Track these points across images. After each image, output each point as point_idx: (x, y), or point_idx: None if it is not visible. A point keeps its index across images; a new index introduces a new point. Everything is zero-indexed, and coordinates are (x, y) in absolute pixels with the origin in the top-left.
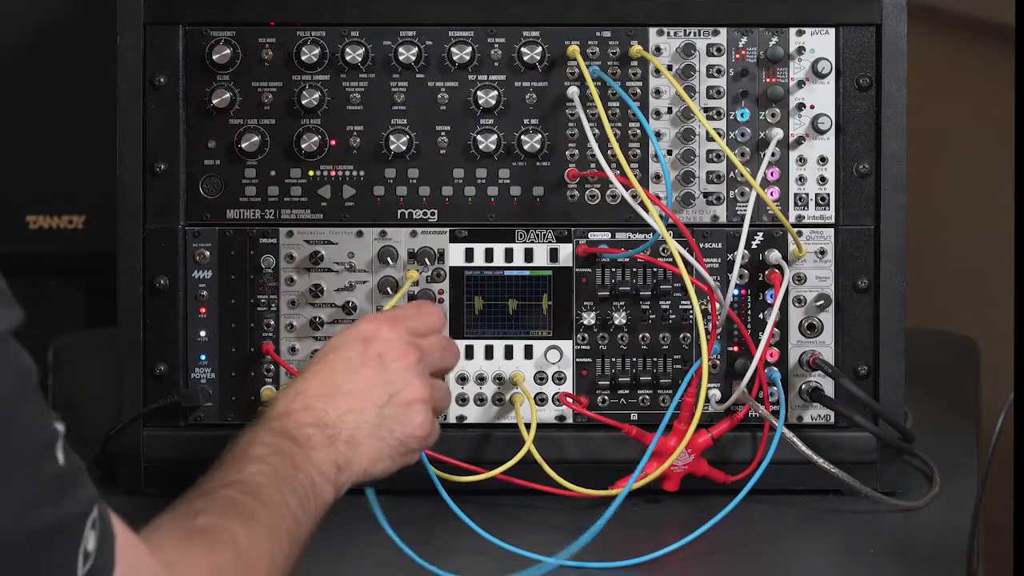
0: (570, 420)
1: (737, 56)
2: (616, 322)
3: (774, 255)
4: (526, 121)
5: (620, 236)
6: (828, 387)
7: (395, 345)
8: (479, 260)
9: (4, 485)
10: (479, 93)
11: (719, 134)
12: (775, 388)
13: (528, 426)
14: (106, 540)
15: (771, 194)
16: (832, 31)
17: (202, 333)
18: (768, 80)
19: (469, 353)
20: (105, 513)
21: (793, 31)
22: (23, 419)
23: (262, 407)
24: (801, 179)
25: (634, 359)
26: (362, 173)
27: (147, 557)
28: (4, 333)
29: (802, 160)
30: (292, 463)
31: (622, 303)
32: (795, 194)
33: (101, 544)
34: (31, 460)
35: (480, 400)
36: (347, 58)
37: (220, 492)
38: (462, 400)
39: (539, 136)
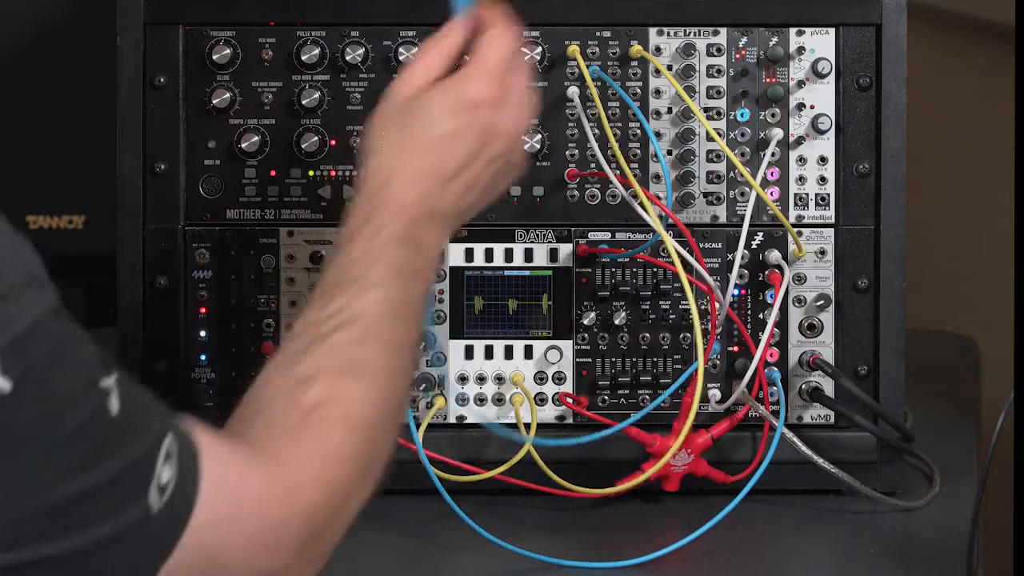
0: (570, 420)
1: (737, 56)
2: (616, 322)
3: (774, 255)
4: None
5: (620, 236)
6: (828, 387)
7: (496, 118)
8: (479, 260)
9: (54, 457)
10: None
11: (719, 134)
12: (775, 388)
13: (528, 426)
14: (186, 468)
15: (771, 194)
16: (832, 31)
17: (202, 333)
18: (768, 80)
19: (469, 353)
20: (183, 438)
21: (793, 31)
22: (61, 392)
23: None
24: (801, 179)
25: (634, 359)
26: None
27: (242, 469)
28: (43, 313)
29: (802, 160)
30: (412, 274)
31: (622, 303)
32: (795, 194)
33: (181, 472)
34: (78, 426)
35: (480, 400)
36: (347, 58)
37: (332, 339)
38: (462, 400)
39: (539, 136)
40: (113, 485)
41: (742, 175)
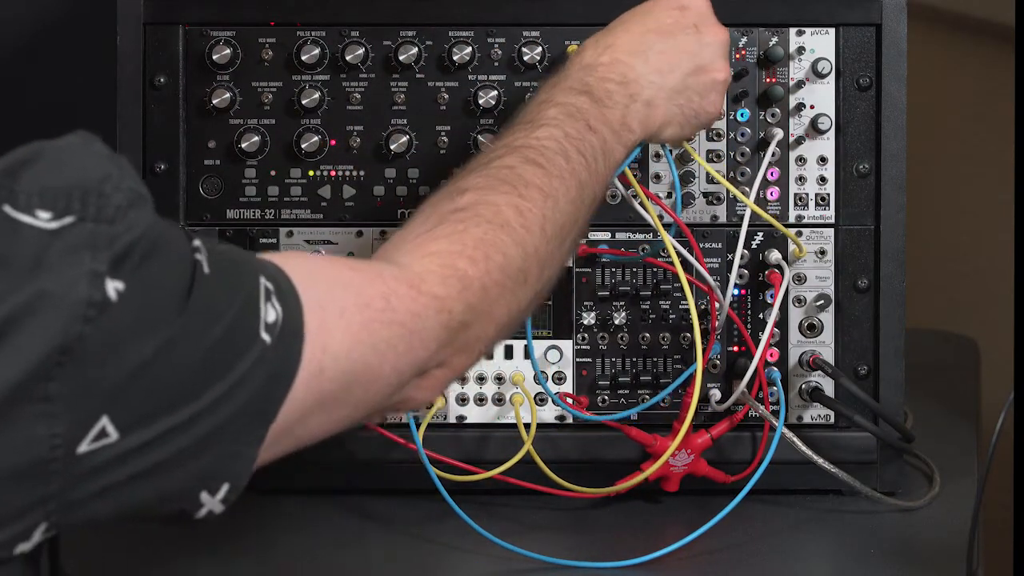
0: (570, 420)
1: (737, 56)
2: (616, 322)
3: (774, 255)
4: None
5: (620, 236)
6: (828, 387)
7: (711, 21)
8: None
9: (172, 328)
10: (479, 93)
11: (719, 134)
12: (775, 388)
13: (528, 426)
14: (288, 300)
15: (771, 194)
16: (832, 31)
17: None
18: (768, 80)
19: None
20: (276, 276)
21: (793, 31)
22: (167, 281)
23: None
24: (801, 179)
25: (634, 359)
26: (362, 173)
27: (355, 276)
28: (146, 228)
29: (802, 160)
30: (586, 124)
31: (622, 303)
32: (795, 194)
33: (284, 306)
34: (185, 294)
35: (480, 400)
36: (347, 58)
37: (500, 161)
38: (462, 400)
39: None
40: (225, 341)
41: (742, 175)
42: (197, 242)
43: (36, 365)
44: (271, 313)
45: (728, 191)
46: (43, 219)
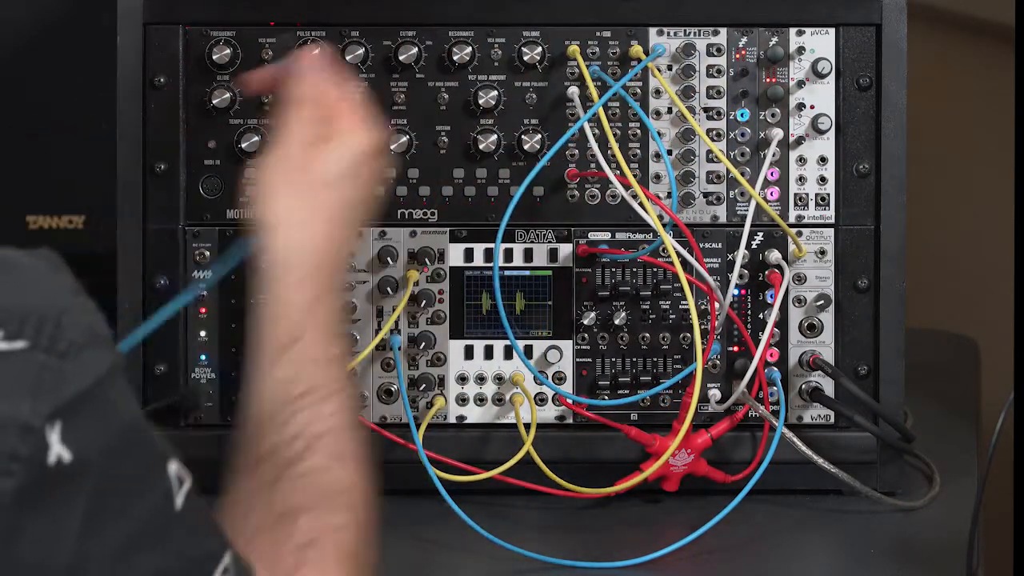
0: (570, 420)
1: (737, 56)
2: (616, 322)
3: (774, 255)
4: (526, 121)
5: (620, 236)
6: (828, 387)
7: (330, 169)
8: (479, 260)
9: (117, 531)
10: (479, 93)
11: (719, 134)
12: (775, 388)
13: (528, 426)
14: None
15: (771, 194)
16: (832, 31)
17: (202, 333)
18: (768, 80)
19: (469, 353)
20: (240, 564)
21: (793, 31)
22: (124, 467)
23: None
24: (801, 179)
25: (634, 359)
26: None
27: None
28: (104, 375)
29: (802, 160)
30: (324, 363)
31: (622, 303)
32: (795, 194)
33: None
34: (145, 508)
35: (480, 400)
36: (347, 58)
37: (302, 466)
38: (462, 400)
39: (539, 136)
40: None
41: (742, 175)
42: (175, 471)
43: None
44: None
45: (727, 191)
46: None
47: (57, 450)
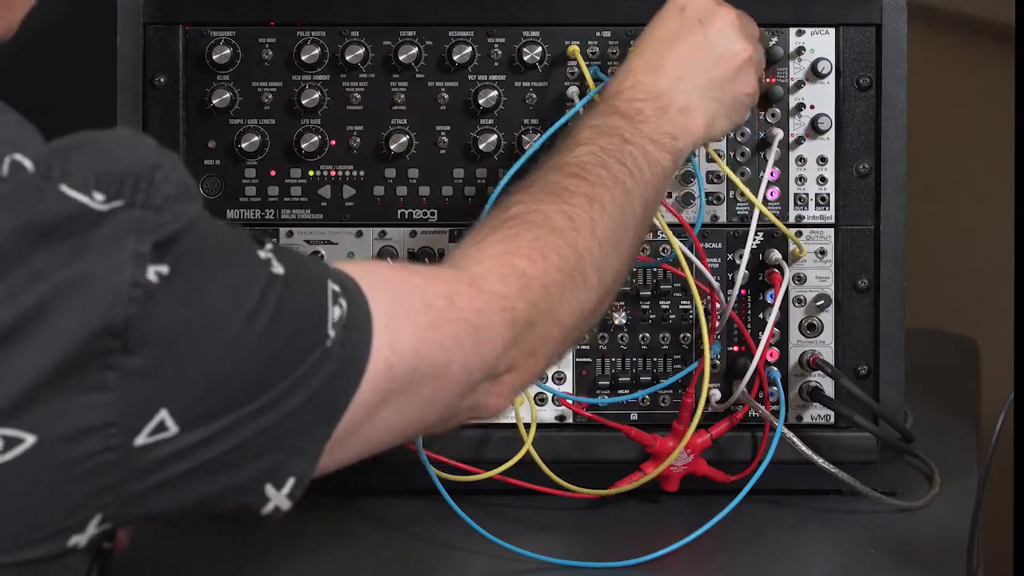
0: (570, 420)
1: None
2: (616, 322)
3: (774, 255)
4: (526, 121)
5: None
6: (828, 387)
7: (712, 9)
8: None
9: (238, 325)
10: (479, 93)
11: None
12: (775, 388)
13: (528, 426)
14: (355, 301)
15: (771, 194)
16: (832, 31)
17: None
18: (768, 80)
19: None
20: (343, 279)
21: (793, 31)
22: (223, 268)
23: None
24: (801, 179)
25: (634, 359)
26: (362, 173)
27: (419, 280)
28: (195, 218)
29: (802, 160)
30: (621, 138)
31: (622, 303)
32: (795, 194)
33: (351, 305)
34: (257, 293)
35: None
36: (347, 58)
37: (542, 180)
38: None
39: (539, 136)
40: (292, 338)
41: (743, 176)
42: (268, 244)
43: (80, 346)
44: (338, 312)
45: (727, 191)
46: (97, 200)
47: (161, 269)
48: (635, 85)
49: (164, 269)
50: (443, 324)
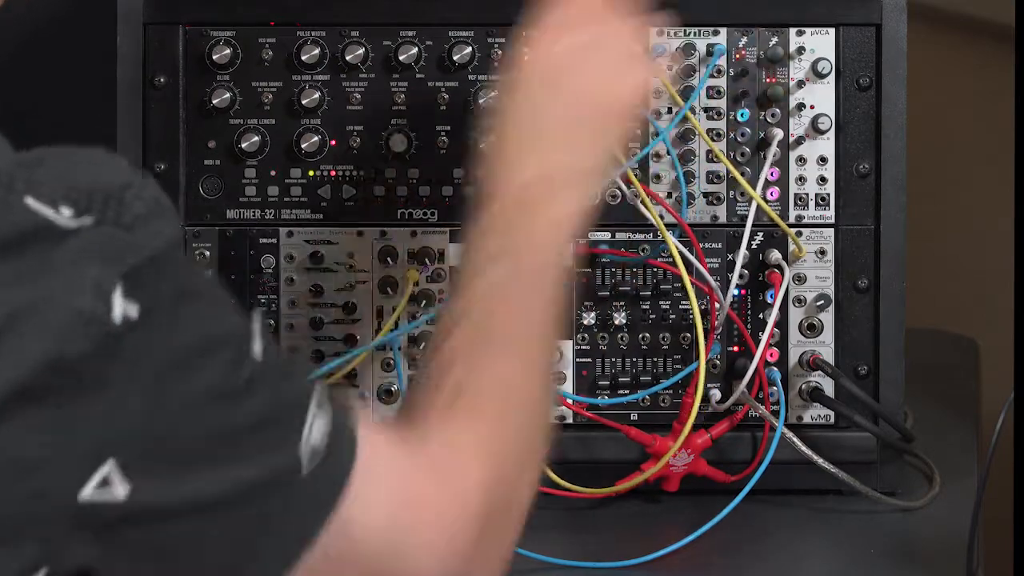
0: (570, 420)
1: (737, 56)
2: (616, 322)
3: (774, 255)
4: None
5: (620, 236)
6: (828, 387)
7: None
8: None
9: (195, 388)
10: (479, 93)
11: (719, 134)
12: (775, 388)
13: None
14: (340, 433)
15: (771, 194)
16: (832, 31)
17: None
18: (768, 80)
19: None
20: (334, 399)
21: (793, 31)
22: (196, 322)
23: None
24: (801, 179)
25: (634, 359)
26: (362, 173)
27: (401, 456)
28: (169, 242)
29: (802, 160)
30: (527, 231)
31: (622, 303)
32: (795, 194)
33: (334, 437)
34: (222, 361)
35: None
36: (347, 58)
37: (475, 310)
38: None
39: None
40: (259, 426)
41: (742, 176)
42: (252, 325)
43: (29, 375)
44: (317, 429)
45: (727, 191)
46: (64, 215)
47: (124, 308)
48: (522, 164)
49: (134, 311)
50: (415, 524)
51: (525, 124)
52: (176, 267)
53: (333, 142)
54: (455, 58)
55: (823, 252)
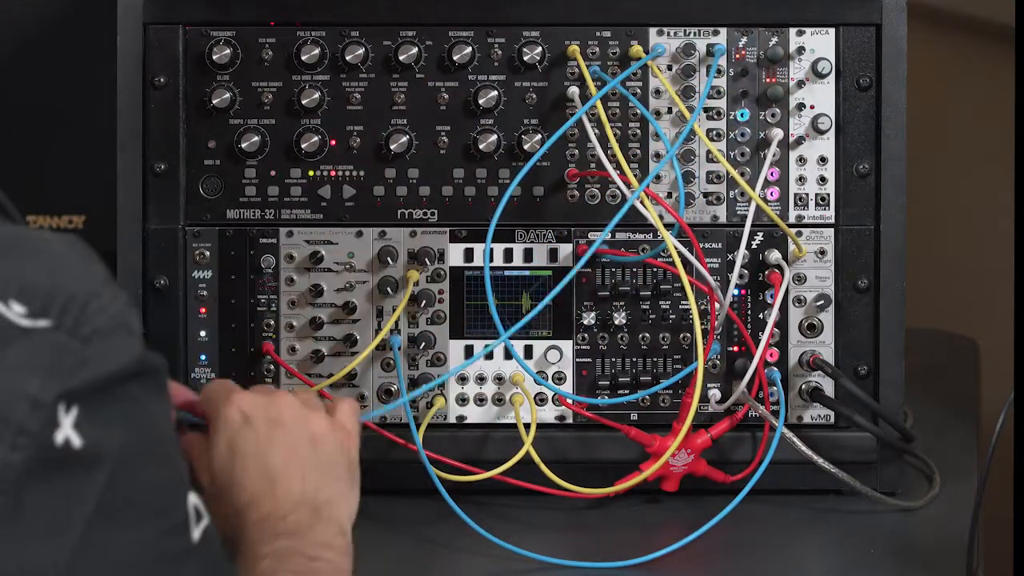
0: (570, 420)
1: (737, 56)
2: (616, 322)
3: (774, 255)
4: (526, 121)
5: (620, 236)
6: (828, 387)
7: (272, 403)
8: (479, 260)
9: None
10: (479, 93)
11: (719, 134)
12: (775, 388)
13: (528, 426)
14: None
15: (771, 194)
16: (832, 31)
17: (202, 333)
18: (768, 80)
19: (469, 353)
20: None
21: (793, 31)
22: (144, 476)
23: None
24: (801, 179)
25: (634, 359)
26: (362, 173)
27: None
28: (126, 365)
29: (802, 160)
30: (305, 556)
31: (622, 303)
32: (795, 194)
33: None
34: (150, 525)
35: (480, 400)
36: (347, 58)
37: None
38: (462, 400)
39: (539, 136)
40: None
41: (742, 176)
42: (194, 502)
43: None
44: None
45: (727, 191)
46: (15, 312)
47: (67, 432)
48: (273, 506)
49: (77, 441)
50: None
51: (264, 459)
52: (128, 405)
53: (333, 142)
54: (455, 58)
55: (823, 252)
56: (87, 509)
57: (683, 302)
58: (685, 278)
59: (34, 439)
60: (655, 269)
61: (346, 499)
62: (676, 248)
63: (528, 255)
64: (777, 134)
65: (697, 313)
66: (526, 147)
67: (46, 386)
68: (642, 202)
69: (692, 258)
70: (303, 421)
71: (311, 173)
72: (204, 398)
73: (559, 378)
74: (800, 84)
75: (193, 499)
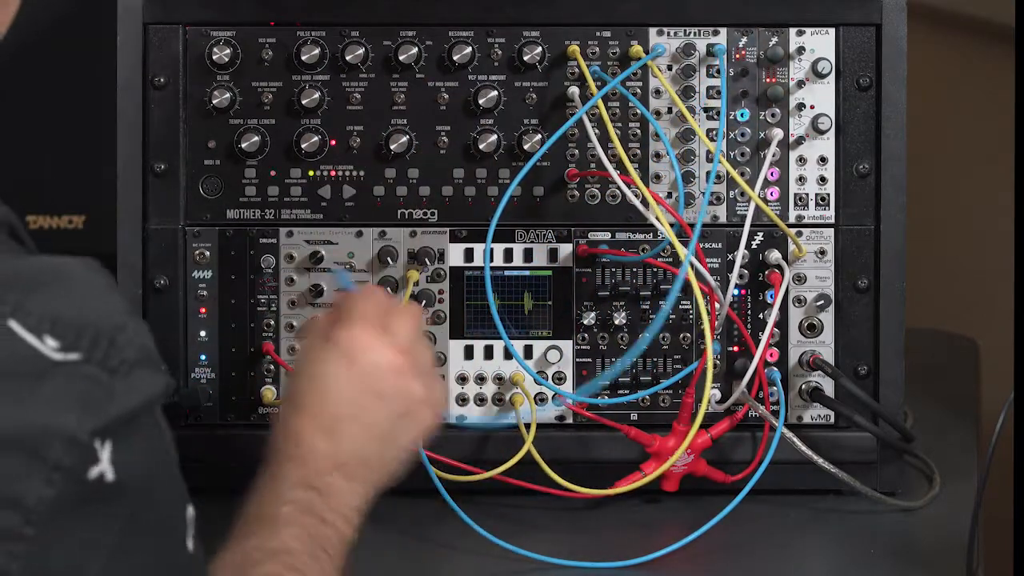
0: (570, 420)
1: (737, 56)
2: (616, 322)
3: (774, 255)
4: (526, 121)
5: (620, 236)
6: (828, 387)
7: (380, 357)
8: (479, 260)
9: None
10: (479, 93)
11: (719, 134)
12: (775, 388)
13: (528, 426)
14: None
15: (771, 194)
16: (832, 31)
17: (202, 333)
18: (768, 80)
19: (469, 353)
20: None
21: (793, 31)
22: (159, 499)
23: (262, 408)
24: (801, 179)
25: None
26: (362, 173)
27: None
28: (151, 399)
29: (802, 160)
30: (320, 518)
31: (622, 303)
32: (795, 194)
33: None
34: (162, 543)
35: (480, 400)
36: (347, 58)
37: (260, 570)
38: (462, 400)
39: (539, 136)
40: None
41: (742, 176)
42: (192, 514)
43: None
44: None
45: (727, 191)
46: (49, 347)
47: (103, 467)
48: (313, 453)
49: (110, 475)
50: None
51: (334, 405)
52: (150, 437)
53: (333, 142)
54: (455, 58)
55: (823, 252)
56: (111, 540)
57: (683, 302)
58: (695, 283)
59: (68, 474)
60: (655, 269)
61: (384, 474)
62: (692, 264)
63: (528, 255)
64: (777, 134)
65: (705, 313)
66: (526, 147)
67: (82, 422)
68: (644, 202)
69: (694, 259)
70: (398, 393)
71: (311, 173)
72: (345, 308)
73: (559, 378)
74: (800, 84)
75: (191, 511)
